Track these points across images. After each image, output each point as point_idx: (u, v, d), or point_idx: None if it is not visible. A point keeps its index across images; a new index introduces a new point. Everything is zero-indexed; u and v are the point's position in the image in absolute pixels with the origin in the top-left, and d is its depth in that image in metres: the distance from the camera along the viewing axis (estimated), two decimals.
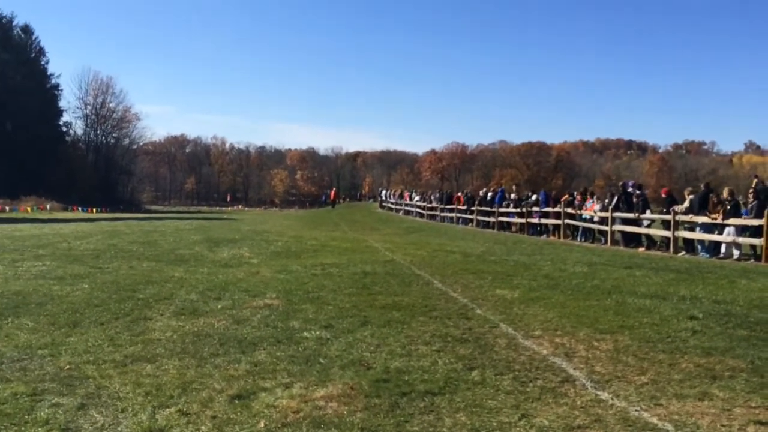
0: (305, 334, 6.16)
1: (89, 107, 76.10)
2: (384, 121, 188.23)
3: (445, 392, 4.50)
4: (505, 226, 26.04)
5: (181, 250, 13.90)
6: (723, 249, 14.81)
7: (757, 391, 4.56)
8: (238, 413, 4.06)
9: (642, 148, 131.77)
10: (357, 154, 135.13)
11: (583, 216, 20.40)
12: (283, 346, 5.69)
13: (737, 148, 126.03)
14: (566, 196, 23.30)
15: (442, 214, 33.76)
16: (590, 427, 3.92)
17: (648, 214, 17.83)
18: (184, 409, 4.11)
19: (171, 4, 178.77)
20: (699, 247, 15.57)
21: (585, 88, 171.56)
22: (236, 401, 4.27)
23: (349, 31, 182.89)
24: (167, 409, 4.11)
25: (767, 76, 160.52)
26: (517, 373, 5.00)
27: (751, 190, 15.29)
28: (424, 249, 15.25)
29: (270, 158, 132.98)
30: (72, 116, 75.69)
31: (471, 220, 29.59)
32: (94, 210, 47.67)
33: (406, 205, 42.67)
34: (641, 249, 16.95)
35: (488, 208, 27.96)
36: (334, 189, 72.99)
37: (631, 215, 17.74)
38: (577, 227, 20.95)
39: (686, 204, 16.19)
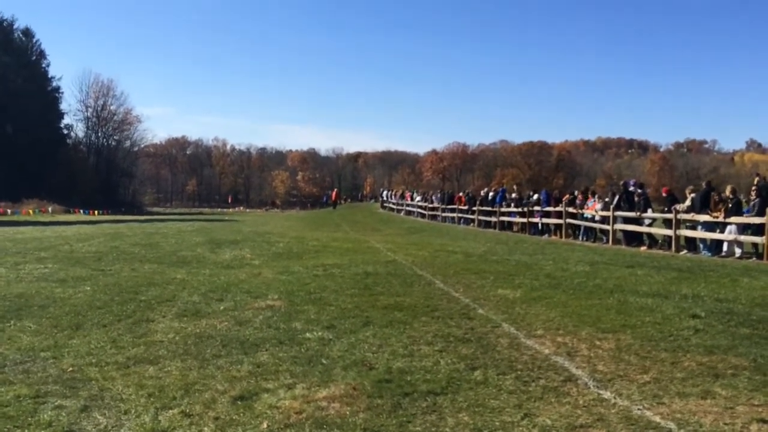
0: (307, 334, 6.16)
1: (90, 110, 76.26)
2: (385, 122, 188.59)
3: (448, 392, 4.50)
4: (507, 226, 26.03)
5: (183, 252, 13.91)
6: (725, 247, 14.79)
7: (759, 389, 4.56)
8: (241, 414, 4.07)
9: (643, 147, 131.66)
10: (358, 155, 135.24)
11: (585, 215, 20.39)
12: (286, 347, 5.70)
13: (739, 146, 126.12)
14: (567, 195, 23.29)
15: (444, 215, 33.75)
16: (593, 426, 3.92)
17: (649, 213, 17.81)
18: (187, 411, 4.11)
19: (171, 5, 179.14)
20: (701, 245, 15.55)
21: (586, 87, 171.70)
22: (239, 402, 4.27)
23: (349, 31, 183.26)
24: (170, 411, 4.12)
25: None
26: (519, 372, 5.00)
27: (753, 188, 15.27)
28: (426, 249, 15.24)
29: (271, 159, 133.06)
30: (73, 119, 75.90)
31: (472, 220, 29.59)
32: (96, 212, 47.74)
33: (408, 205, 42.69)
34: (643, 248, 16.94)
35: (490, 208, 27.95)
36: (335, 190, 73.03)
37: (632, 214, 17.73)
38: (578, 226, 20.94)
39: (688, 202, 16.18)
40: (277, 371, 4.97)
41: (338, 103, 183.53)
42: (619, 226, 18.15)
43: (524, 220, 24.49)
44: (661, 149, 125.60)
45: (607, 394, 4.48)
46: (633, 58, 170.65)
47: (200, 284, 9.31)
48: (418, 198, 42.13)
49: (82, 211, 47.28)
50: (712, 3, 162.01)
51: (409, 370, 4.99)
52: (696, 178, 68.28)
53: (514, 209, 25.79)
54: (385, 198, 53.52)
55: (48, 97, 65.62)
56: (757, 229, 14.04)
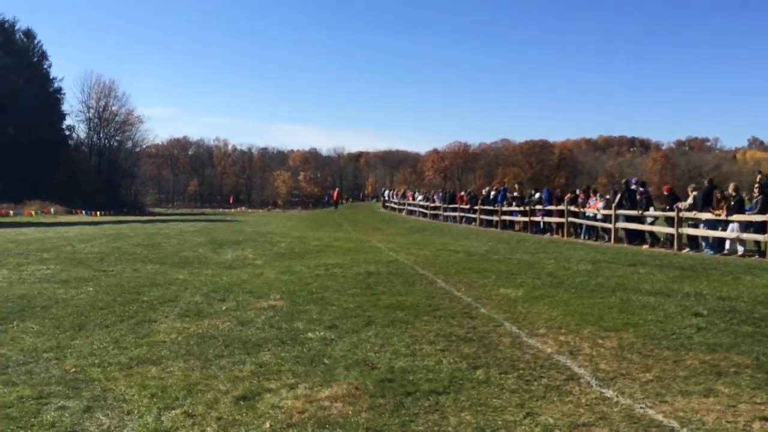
0: (309, 334, 6.17)
1: (92, 111, 76.22)
2: (386, 121, 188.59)
3: (450, 391, 4.50)
4: (508, 225, 26.02)
5: (185, 253, 13.92)
6: (727, 245, 14.77)
7: (762, 387, 4.55)
8: (244, 414, 4.07)
9: (645, 146, 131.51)
10: (359, 155, 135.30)
11: (587, 214, 20.37)
12: (288, 347, 5.70)
13: (740, 144, 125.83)
14: (569, 194, 23.26)
15: (445, 214, 33.74)
16: (595, 424, 3.92)
17: (651, 212, 17.79)
18: (190, 411, 4.12)
19: (171, 6, 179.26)
20: (703, 243, 15.54)
21: (587, 85, 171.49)
22: (241, 402, 4.28)
23: (349, 31, 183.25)
24: (173, 411, 4.13)
25: None
26: (521, 371, 5.00)
27: (756, 185, 15.24)
28: (428, 248, 15.24)
29: (272, 159, 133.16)
30: (75, 120, 75.88)
31: (474, 220, 29.57)
32: (98, 213, 47.76)
33: (409, 204, 42.69)
34: (645, 246, 16.92)
35: (491, 207, 27.94)
36: (336, 189, 73.04)
37: (634, 212, 17.71)
38: (580, 225, 20.92)
39: (690, 201, 16.16)
40: (280, 371, 4.97)
41: (339, 102, 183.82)
42: (621, 224, 18.14)
43: (526, 219, 24.47)
44: (663, 147, 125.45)
45: (609, 393, 4.48)
46: (634, 56, 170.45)
47: (202, 284, 9.32)
48: (420, 197, 42.12)
49: (84, 211, 47.31)
50: (712, 1, 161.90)
51: (411, 370, 4.99)
52: (698, 176, 68.17)
53: (516, 208, 25.78)
54: (386, 197, 53.52)
55: (50, 98, 65.64)
56: (760, 227, 14.01)
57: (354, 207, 60.97)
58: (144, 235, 19.99)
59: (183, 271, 10.85)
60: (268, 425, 3.89)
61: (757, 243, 14.36)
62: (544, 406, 4.24)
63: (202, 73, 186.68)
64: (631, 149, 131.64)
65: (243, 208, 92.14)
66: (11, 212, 40.42)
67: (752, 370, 4.98)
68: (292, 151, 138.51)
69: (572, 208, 21.10)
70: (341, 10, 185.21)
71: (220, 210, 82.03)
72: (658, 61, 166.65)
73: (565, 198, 22.30)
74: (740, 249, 14.42)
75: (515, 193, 27.77)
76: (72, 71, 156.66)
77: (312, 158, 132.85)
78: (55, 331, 6.37)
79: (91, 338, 6.07)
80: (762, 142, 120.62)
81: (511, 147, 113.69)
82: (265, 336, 6.12)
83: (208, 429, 3.86)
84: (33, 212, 41.64)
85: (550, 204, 23.03)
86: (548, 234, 22.62)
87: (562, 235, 21.33)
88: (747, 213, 14.61)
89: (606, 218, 18.95)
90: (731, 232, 14.60)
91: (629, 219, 17.94)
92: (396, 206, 46.72)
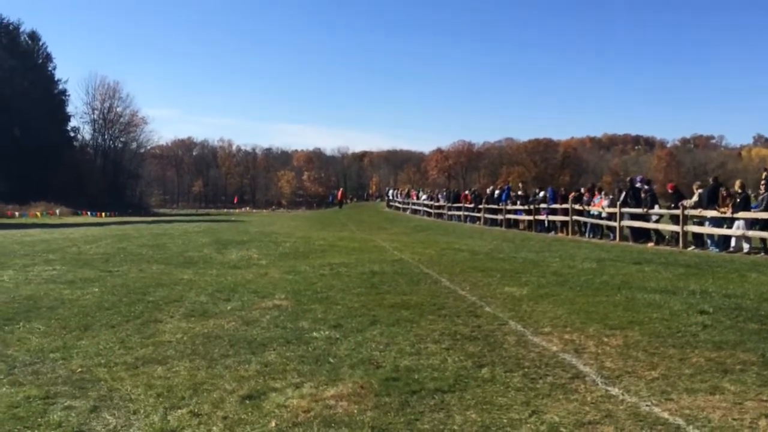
0: (314, 334, 6.18)
1: (96, 112, 76.60)
2: (390, 121, 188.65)
3: (455, 390, 4.50)
4: (513, 224, 25.99)
5: (189, 253, 13.95)
6: (733, 243, 14.73)
7: None
8: (249, 413, 4.08)
9: (650, 143, 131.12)
10: (363, 154, 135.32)
11: (591, 212, 20.33)
12: (293, 347, 5.71)
13: (746, 141, 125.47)
14: (573, 192, 23.22)
15: (450, 213, 33.71)
16: (601, 422, 3.91)
17: (656, 210, 17.75)
18: (196, 410, 4.13)
19: (171, 6, 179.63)
20: (708, 241, 15.49)
21: (591, 84, 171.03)
22: (247, 401, 4.29)
23: (349, 31, 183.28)
24: (179, 410, 4.14)
25: None
26: (526, 369, 4.99)
27: (762, 183, 15.20)
28: (432, 248, 15.24)
29: (276, 159, 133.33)
30: (80, 121, 76.25)
31: (478, 218, 29.54)
32: (103, 214, 47.92)
33: (414, 204, 42.67)
34: (650, 244, 16.88)
35: (495, 206, 27.92)
36: (341, 189, 73.18)
37: (639, 210, 17.67)
38: (585, 224, 20.88)
39: (695, 198, 16.11)
40: (285, 370, 4.98)
41: (343, 102, 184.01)
42: (626, 222, 18.09)
43: (530, 217, 24.44)
44: (668, 145, 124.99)
45: (615, 391, 4.48)
46: (639, 54, 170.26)
47: (207, 284, 9.34)
48: (424, 197, 42.10)
49: (89, 212, 47.50)
50: None
51: (416, 369, 4.99)
52: (703, 174, 68.05)
53: (520, 207, 25.74)
54: (390, 197, 53.54)
55: (54, 99, 65.94)
56: (766, 225, 13.97)
57: (358, 206, 60.97)
58: (149, 235, 20.03)
59: (188, 271, 10.87)
60: (273, 424, 3.90)
61: (763, 240, 14.32)
62: (550, 404, 4.24)
63: (202, 73, 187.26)
64: (636, 147, 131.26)
65: (247, 208, 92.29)
66: (17, 213, 40.61)
67: (758, 367, 4.97)
68: (296, 151, 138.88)
69: (577, 206, 21.06)
70: (341, 10, 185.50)
71: (225, 210, 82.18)
72: (662, 59, 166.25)
73: (570, 196, 22.26)
74: (746, 246, 14.38)
75: (519, 192, 27.75)
76: (75, 73, 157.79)
77: (316, 158, 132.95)
78: (61, 331, 6.39)
79: (97, 338, 6.09)
80: (767, 140, 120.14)
81: (516, 146, 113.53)
82: (270, 335, 6.13)
83: (214, 428, 3.87)
84: (38, 213, 41.81)
85: (555, 202, 22.99)
86: (553, 232, 22.58)
87: (567, 234, 21.28)
88: (753, 210, 14.55)
89: (611, 216, 18.90)
90: (737, 229, 14.56)
91: (634, 217, 17.90)
92: (400, 205, 46.72)
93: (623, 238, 18.11)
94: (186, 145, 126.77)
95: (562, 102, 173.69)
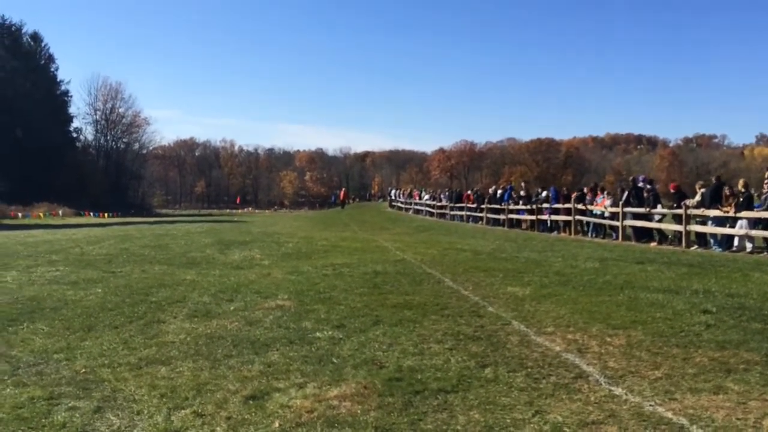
0: (317, 334, 6.18)
1: (99, 113, 76.59)
2: (390, 121, 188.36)
3: (459, 390, 4.50)
4: (515, 224, 25.98)
5: (192, 253, 13.97)
6: (736, 242, 14.71)
7: None
8: (253, 414, 4.09)
9: (652, 143, 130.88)
10: (366, 154, 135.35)
11: (594, 212, 20.32)
12: (296, 347, 5.72)
13: (748, 140, 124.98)
14: (576, 192, 23.20)
15: (452, 213, 33.71)
16: (604, 422, 3.91)
17: (659, 209, 17.73)
18: (199, 411, 4.14)
19: (171, 6, 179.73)
20: (711, 240, 15.47)
21: (593, 83, 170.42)
22: (250, 402, 4.30)
23: (349, 32, 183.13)
24: (182, 411, 4.15)
25: None
26: (530, 369, 4.99)
27: (765, 182, 15.17)
28: (435, 248, 15.24)
29: (279, 160, 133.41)
30: (82, 122, 76.34)
31: (481, 218, 29.53)
32: (106, 215, 47.97)
33: (416, 204, 42.67)
34: (653, 244, 16.86)
35: (498, 206, 27.91)
36: (343, 189, 73.06)
37: (642, 210, 17.65)
38: (587, 223, 20.87)
39: (698, 198, 16.09)
40: (288, 371, 4.99)
41: (345, 102, 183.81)
42: (629, 222, 18.07)
43: (533, 217, 24.43)
44: (671, 144, 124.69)
45: (618, 391, 4.47)
46: (641, 53, 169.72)
47: (210, 285, 9.35)
48: (426, 197, 42.08)
49: (92, 213, 47.54)
50: None
51: (419, 369, 5.00)
52: (706, 173, 67.86)
53: (523, 207, 25.73)
54: (393, 197, 53.55)
55: (57, 100, 65.96)
56: None
57: (361, 207, 60.99)
58: (152, 236, 20.06)
59: (191, 271, 10.89)
60: (277, 425, 3.90)
61: (766, 240, 14.30)
62: (553, 404, 4.24)
63: (202, 73, 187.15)
64: (639, 147, 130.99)
65: (250, 208, 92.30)
66: (20, 214, 40.68)
67: (762, 366, 4.96)
68: (299, 151, 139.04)
69: (579, 206, 21.05)
70: (341, 10, 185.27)
71: (227, 211, 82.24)
72: (663, 58, 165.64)
73: (572, 196, 22.25)
74: (749, 246, 14.36)
75: (522, 192, 27.71)
76: (76, 74, 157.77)
77: (318, 158, 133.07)
78: (64, 332, 6.41)
79: (101, 339, 6.10)
80: None
81: (518, 145, 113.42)
82: (274, 336, 6.14)
83: (218, 429, 3.87)
84: (41, 214, 41.88)
85: (557, 202, 22.96)
86: (555, 232, 22.57)
87: (570, 234, 21.27)
88: (756, 210, 14.53)
89: (613, 216, 18.88)
90: (740, 228, 14.54)
91: (637, 217, 17.88)
92: (403, 206, 46.72)
93: (626, 237, 18.09)
94: (188, 145, 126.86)
95: (564, 102, 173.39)
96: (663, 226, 17.48)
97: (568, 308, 7.36)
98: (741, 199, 14.59)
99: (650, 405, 4.17)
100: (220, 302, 7.95)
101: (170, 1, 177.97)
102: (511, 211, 26.38)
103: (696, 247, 15.53)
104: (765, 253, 13.88)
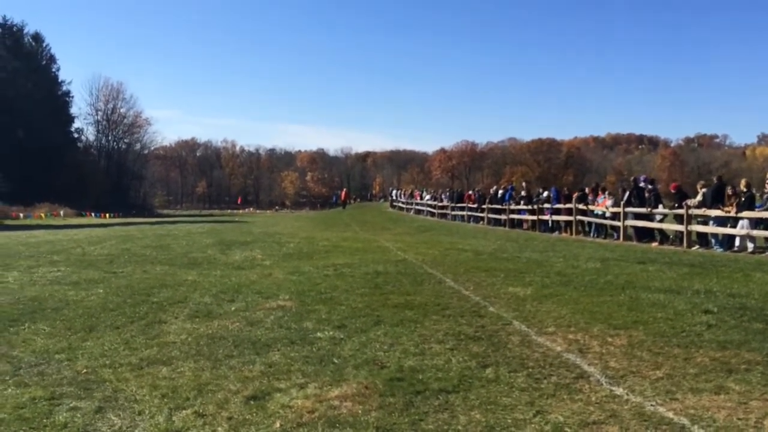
0: (319, 334, 6.19)
1: (100, 113, 76.64)
2: (391, 121, 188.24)
3: (460, 390, 4.50)
4: (517, 224, 25.97)
5: (193, 254, 13.98)
6: (737, 242, 14.70)
7: None
8: (254, 414, 4.09)
9: (653, 143, 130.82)
10: (367, 155, 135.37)
11: (595, 212, 20.31)
12: (297, 347, 5.72)
13: (750, 140, 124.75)
14: (577, 192, 23.18)
15: (453, 213, 33.70)
16: (606, 422, 3.91)
17: (660, 209, 17.71)
18: (201, 411, 4.14)
19: (171, 6, 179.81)
20: (713, 240, 15.46)
21: (594, 83, 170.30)
22: (252, 402, 4.30)
23: (349, 32, 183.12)
24: (183, 411, 4.15)
25: None
26: (531, 370, 4.99)
27: (766, 182, 15.15)
28: (436, 248, 15.24)
29: (280, 160, 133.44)
30: (83, 122, 76.58)
31: (482, 218, 29.52)
32: (107, 215, 48.00)
33: (417, 204, 42.66)
34: (654, 244, 16.85)
35: (499, 206, 27.90)
36: (344, 190, 73.08)
37: (643, 210, 17.64)
38: (589, 223, 20.86)
39: (699, 197, 16.08)
40: (289, 371, 4.99)
41: (346, 103, 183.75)
42: (630, 222, 18.07)
43: (534, 217, 24.42)
44: (672, 144, 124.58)
45: (619, 391, 4.47)
46: (638, 54, 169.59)
47: (211, 285, 9.36)
48: (428, 197, 42.07)
49: (93, 214, 47.56)
50: None
51: (420, 369, 5.00)
52: (707, 173, 67.77)
53: (524, 207, 25.72)
54: (394, 197, 53.55)
55: (58, 101, 65.99)
56: None
57: (362, 207, 61.01)
58: (153, 236, 20.08)
59: (192, 272, 10.90)
60: (278, 425, 3.91)
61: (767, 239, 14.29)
62: (554, 404, 4.24)
63: (203, 73, 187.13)
64: (640, 147, 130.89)
65: (251, 209, 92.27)
66: (21, 215, 40.70)
67: (763, 366, 4.96)
68: (300, 151, 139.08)
69: (580, 206, 21.04)
70: (341, 10, 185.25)
71: (229, 211, 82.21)
72: (663, 58, 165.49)
73: (573, 196, 22.23)
74: (750, 246, 14.35)
75: (523, 192, 27.69)
76: (77, 74, 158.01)
77: (319, 158, 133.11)
78: (66, 332, 6.41)
79: (102, 339, 6.11)
80: None
81: (519, 146, 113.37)
82: (275, 336, 6.14)
83: (219, 429, 3.88)
84: (43, 215, 41.90)
85: (558, 202, 22.95)
86: (556, 232, 22.55)
87: (571, 234, 21.26)
88: (757, 210, 14.51)
89: (615, 216, 18.88)
90: (741, 228, 14.53)
91: (638, 217, 17.87)
92: (404, 206, 46.71)
93: (627, 237, 18.08)
94: (189, 146, 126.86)
95: (564, 102, 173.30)
96: (664, 226, 17.47)
97: (570, 308, 7.36)
98: (742, 199, 14.58)
99: (651, 405, 4.17)
100: (222, 302, 7.96)
101: (170, 1, 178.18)
102: (513, 212, 26.37)
103: (697, 247, 15.52)
104: (766, 253, 13.86)
